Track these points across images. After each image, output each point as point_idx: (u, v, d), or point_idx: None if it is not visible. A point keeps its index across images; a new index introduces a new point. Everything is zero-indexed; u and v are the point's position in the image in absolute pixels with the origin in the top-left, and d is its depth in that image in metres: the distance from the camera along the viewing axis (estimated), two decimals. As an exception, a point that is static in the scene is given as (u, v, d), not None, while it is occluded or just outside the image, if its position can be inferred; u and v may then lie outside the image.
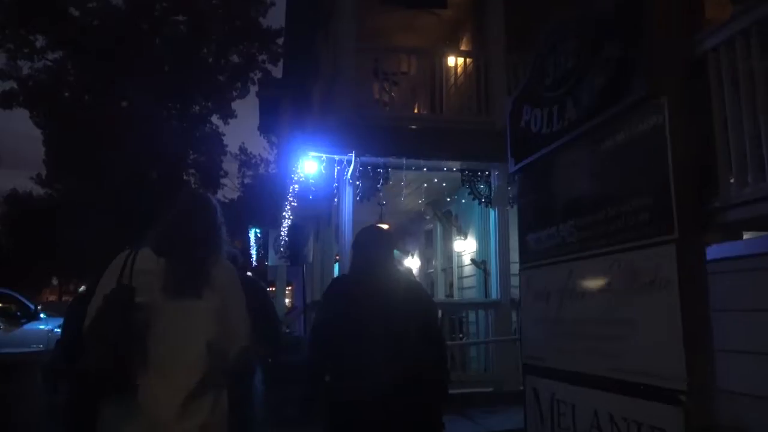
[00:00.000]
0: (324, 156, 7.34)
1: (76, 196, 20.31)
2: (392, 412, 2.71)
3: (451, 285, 11.23)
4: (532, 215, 3.37)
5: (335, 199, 7.55)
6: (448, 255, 11.44)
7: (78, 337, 2.24)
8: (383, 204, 11.71)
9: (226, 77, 24.63)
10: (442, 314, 8.73)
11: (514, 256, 8.88)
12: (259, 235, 18.22)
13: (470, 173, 8.13)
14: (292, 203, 9.18)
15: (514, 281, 8.47)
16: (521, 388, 7.01)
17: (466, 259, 10.38)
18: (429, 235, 12.80)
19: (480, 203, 8.35)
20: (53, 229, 21.36)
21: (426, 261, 13.13)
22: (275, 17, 25.33)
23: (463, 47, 10.22)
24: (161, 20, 21.96)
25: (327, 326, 3.00)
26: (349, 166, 7.36)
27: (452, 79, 8.33)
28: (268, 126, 17.76)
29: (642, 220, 2.77)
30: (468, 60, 8.74)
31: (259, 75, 24.22)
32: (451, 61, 9.03)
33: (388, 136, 7.77)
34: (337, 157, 7.34)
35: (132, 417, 2.13)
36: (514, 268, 8.69)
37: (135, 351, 2.14)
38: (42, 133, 22.37)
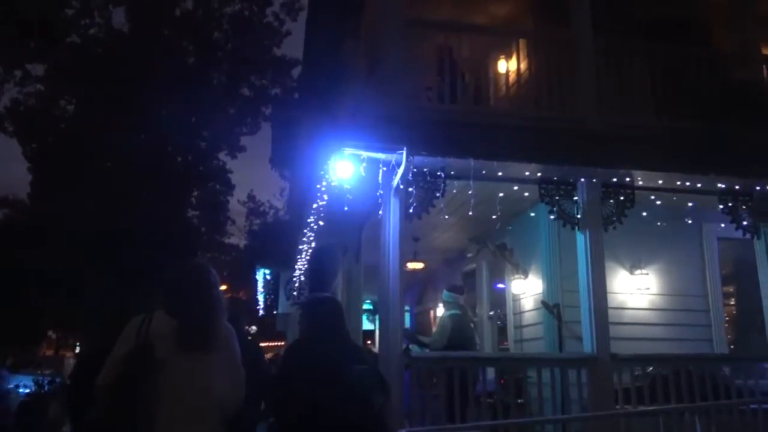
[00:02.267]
0: (364, 155, 5.39)
1: (68, 236, 18.37)
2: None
3: (506, 335, 9.13)
4: None
5: (379, 212, 5.57)
6: (500, 299, 9.40)
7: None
8: (418, 239, 9.83)
9: (236, 110, 23.01)
10: (495, 374, 6.63)
11: (613, 298, 6.93)
12: (268, 278, 16.20)
13: (552, 186, 6.18)
14: (317, 225, 7.20)
15: (614, 331, 6.42)
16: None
17: (527, 304, 8.33)
18: (469, 277, 10.77)
19: (564, 225, 6.36)
20: (42, 271, 19.37)
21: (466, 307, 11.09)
22: (290, 48, 23.85)
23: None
24: (168, 47, 20.46)
25: (293, 375, 3.51)
26: (398, 169, 5.41)
27: (525, 68, 6.49)
28: (281, 156, 16.03)
29: None
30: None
31: (269, 111, 22.67)
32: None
33: (445, 134, 5.88)
34: (383, 156, 5.38)
35: None
36: (614, 314, 6.61)
37: (153, 400, 2.57)
38: (29, 168, 20.65)
